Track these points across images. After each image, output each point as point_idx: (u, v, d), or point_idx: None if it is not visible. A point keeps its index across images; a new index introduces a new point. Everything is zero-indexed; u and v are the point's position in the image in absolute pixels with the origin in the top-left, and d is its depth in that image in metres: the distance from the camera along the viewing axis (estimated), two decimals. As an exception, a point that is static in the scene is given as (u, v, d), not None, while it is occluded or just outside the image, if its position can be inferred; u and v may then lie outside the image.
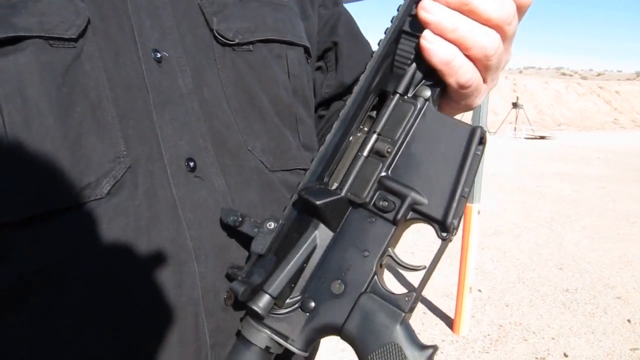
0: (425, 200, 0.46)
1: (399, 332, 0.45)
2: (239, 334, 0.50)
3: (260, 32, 0.61)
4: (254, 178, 0.58)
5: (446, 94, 0.49)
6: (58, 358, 0.47)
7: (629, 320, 3.65)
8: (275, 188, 0.59)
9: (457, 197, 0.45)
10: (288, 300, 0.49)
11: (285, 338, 0.48)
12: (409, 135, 0.47)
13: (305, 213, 0.49)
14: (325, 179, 0.49)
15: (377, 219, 0.47)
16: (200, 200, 0.53)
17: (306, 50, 0.67)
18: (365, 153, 0.48)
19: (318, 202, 0.47)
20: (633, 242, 5.41)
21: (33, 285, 0.46)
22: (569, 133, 20.26)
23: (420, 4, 0.44)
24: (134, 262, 0.48)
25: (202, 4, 0.58)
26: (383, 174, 0.47)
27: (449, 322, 3.50)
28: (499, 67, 0.48)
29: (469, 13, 0.44)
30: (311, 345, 0.49)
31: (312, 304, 0.48)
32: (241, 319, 0.51)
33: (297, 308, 0.49)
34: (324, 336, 0.49)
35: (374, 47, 0.52)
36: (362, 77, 0.51)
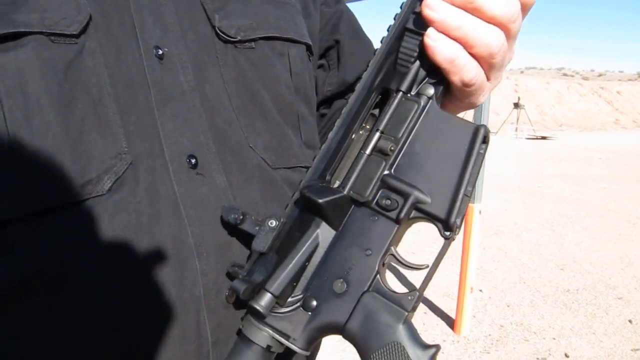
0: (428, 199, 0.46)
1: (401, 332, 0.44)
2: (239, 332, 0.50)
3: (262, 30, 0.61)
4: (255, 175, 0.57)
5: (450, 92, 0.49)
6: (58, 358, 0.47)
7: (630, 321, 3.64)
8: (277, 186, 0.59)
9: (460, 196, 0.44)
10: (289, 299, 0.48)
11: (287, 337, 0.48)
12: (412, 134, 0.47)
13: (308, 211, 0.49)
14: (328, 177, 0.49)
15: (380, 218, 0.47)
16: (202, 197, 0.52)
17: (308, 48, 0.67)
18: (368, 151, 0.48)
19: (321, 201, 0.46)
20: (634, 242, 5.40)
21: (33, 283, 0.46)
22: (570, 133, 20.24)
23: (425, 2, 0.44)
24: (135, 259, 0.48)
25: (204, 0, 0.58)
26: (386, 172, 0.47)
27: (450, 322, 3.50)
28: (502, 65, 0.48)
29: (474, 11, 0.44)
30: (313, 345, 0.49)
31: (314, 303, 0.48)
32: (242, 318, 0.51)
33: (298, 307, 0.48)
34: (325, 335, 0.49)
35: (376, 45, 0.52)
36: (365, 75, 0.50)
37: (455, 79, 0.46)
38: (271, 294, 0.47)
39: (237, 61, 0.58)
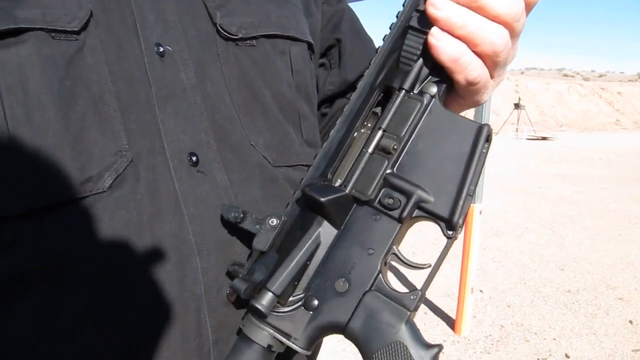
0: (431, 198, 0.45)
1: (404, 331, 0.44)
2: (240, 332, 0.50)
3: (263, 28, 0.60)
4: (256, 173, 0.57)
5: (453, 90, 0.49)
6: (58, 358, 0.47)
7: (630, 322, 3.64)
8: (278, 184, 0.59)
9: (464, 195, 0.44)
10: (291, 299, 0.48)
11: (288, 337, 0.48)
12: (415, 132, 0.47)
13: (309, 210, 0.49)
14: (329, 176, 0.49)
15: (382, 217, 0.47)
16: (203, 194, 0.52)
17: (310, 47, 0.67)
18: (370, 149, 0.47)
19: (323, 199, 0.46)
20: (635, 243, 5.40)
21: (34, 281, 0.45)
22: (570, 134, 20.25)
23: (429, 0, 0.44)
24: (136, 257, 0.48)
25: None
26: (388, 171, 0.47)
27: (451, 323, 3.50)
28: (506, 63, 0.48)
29: (478, 9, 0.44)
30: (314, 344, 0.49)
31: (316, 302, 0.47)
32: (243, 317, 0.51)
33: (300, 306, 0.48)
34: (327, 335, 0.48)
35: (378, 44, 0.52)
36: (367, 73, 0.50)
37: (460, 77, 0.46)
38: (272, 293, 0.47)
39: (238, 59, 0.58)
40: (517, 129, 17.75)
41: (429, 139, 0.47)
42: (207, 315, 0.51)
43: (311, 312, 0.47)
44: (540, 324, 3.60)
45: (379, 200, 0.47)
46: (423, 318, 3.57)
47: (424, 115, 0.47)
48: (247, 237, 0.53)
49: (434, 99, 0.47)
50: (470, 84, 0.46)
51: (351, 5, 0.82)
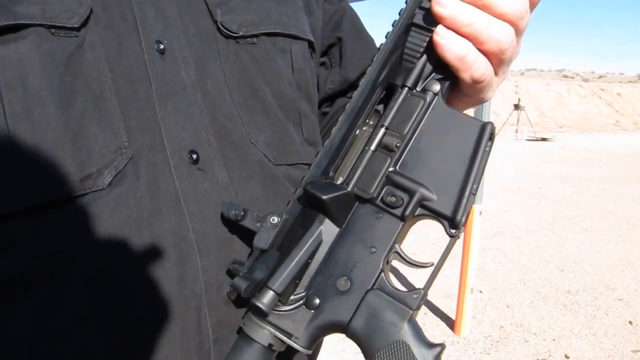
0: (434, 197, 0.45)
1: (406, 330, 0.44)
2: (240, 330, 0.50)
3: (264, 25, 0.60)
4: (257, 171, 0.57)
5: (457, 88, 0.49)
6: (58, 358, 0.46)
7: (630, 322, 3.64)
8: (279, 182, 0.59)
9: (467, 193, 0.44)
10: (292, 297, 0.48)
11: (289, 335, 0.47)
12: (418, 130, 0.47)
13: (311, 208, 0.49)
14: (331, 174, 0.49)
15: (385, 215, 0.46)
16: (203, 192, 0.52)
17: (310, 45, 0.67)
18: (372, 147, 0.47)
19: (325, 197, 0.46)
20: (634, 244, 5.40)
21: (33, 279, 0.45)
22: (570, 135, 20.25)
23: None
24: (136, 255, 0.48)
25: None
26: (391, 169, 0.46)
27: (450, 323, 3.49)
28: (511, 61, 0.48)
29: (483, 7, 0.43)
30: (315, 343, 0.48)
31: (317, 301, 0.47)
32: (243, 316, 0.50)
33: (301, 305, 0.48)
34: (329, 334, 0.48)
35: (379, 44, 0.51)
36: (370, 70, 0.50)
37: (465, 76, 0.45)
38: (274, 291, 0.46)
39: (238, 56, 0.58)
40: (516, 130, 17.74)
41: (431, 137, 0.46)
42: (207, 314, 0.51)
43: (312, 311, 0.47)
44: (540, 324, 3.60)
45: (382, 198, 0.46)
46: (423, 318, 3.56)
47: (427, 113, 0.47)
48: (247, 236, 0.52)
49: (437, 97, 0.47)
50: (476, 82, 0.46)
51: (352, 5, 0.82)
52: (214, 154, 0.54)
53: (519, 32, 0.46)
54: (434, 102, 0.47)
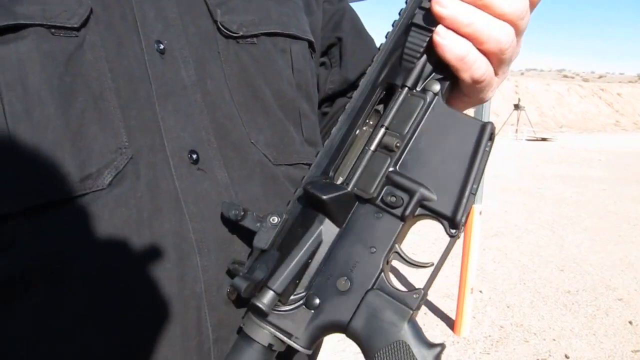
0: (434, 196, 0.45)
1: (406, 330, 0.44)
2: (240, 330, 0.50)
3: (264, 25, 0.60)
4: (257, 171, 0.57)
5: (457, 88, 0.49)
6: (58, 358, 0.46)
7: (630, 322, 3.64)
8: (279, 182, 0.59)
9: (467, 193, 0.44)
10: (292, 297, 0.48)
11: (289, 335, 0.47)
12: (418, 130, 0.47)
13: (311, 208, 0.49)
14: (331, 174, 0.49)
15: (385, 215, 0.46)
16: (203, 192, 0.52)
17: (310, 45, 0.67)
18: (372, 147, 0.47)
19: (325, 197, 0.46)
20: (634, 244, 5.40)
21: (33, 280, 0.45)
22: (570, 135, 20.25)
23: None
24: (135, 255, 0.48)
25: None
26: (391, 169, 0.46)
27: (450, 323, 3.49)
28: (511, 61, 0.48)
29: (483, 7, 0.43)
30: (315, 343, 0.48)
31: (317, 301, 0.47)
32: (243, 316, 0.50)
33: (301, 305, 0.48)
34: (329, 334, 0.48)
35: (379, 44, 0.51)
36: (370, 70, 0.50)
37: (466, 76, 0.45)
38: (274, 291, 0.46)
39: (238, 56, 0.58)
40: (516, 130, 17.74)
41: (431, 137, 0.46)
42: (207, 314, 0.51)
43: (312, 311, 0.47)
44: (540, 324, 3.60)
45: (382, 198, 0.46)
46: (423, 318, 3.56)
47: (427, 113, 0.46)
48: (247, 236, 0.52)
49: (437, 97, 0.47)
50: (476, 82, 0.46)
51: (352, 5, 0.82)
52: (214, 154, 0.54)
53: (519, 32, 0.46)
54: (434, 102, 0.47)
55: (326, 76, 0.74)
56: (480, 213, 3.22)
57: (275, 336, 0.48)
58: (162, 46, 0.53)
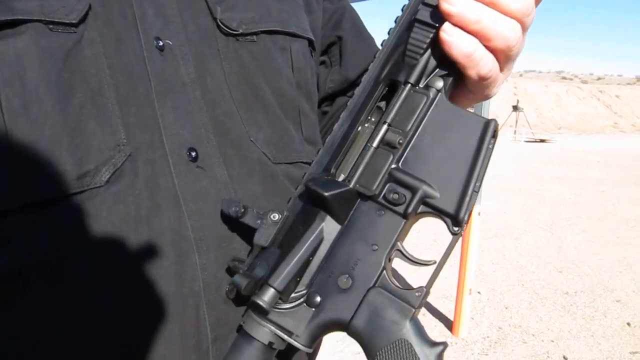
0: (437, 194, 0.45)
1: (409, 329, 0.44)
2: (240, 329, 0.49)
3: (264, 23, 0.60)
4: (256, 169, 0.56)
5: (462, 84, 0.48)
6: (58, 358, 0.46)
7: (628, 324, 3.64)
8: (279, 180, 0.58)
9: (470, 191, 0.44)
10: (293, 295, 0.48)
11: (290, 334, 0.47)
12: (421, 127, 0.46)
13: (312, 204, 0.48)
14: (333, 170, 0.48)
15: (387, 212, 0.46)
16: (202, 190, 0.52)
17: (310, 43, 0.66)
18: (375, 144, 0.47)
19: (327, 194, 0.45)
20: (633, 245, 5.40)
21: (32, 277, 0.45)
22: (569, 136, 20.27)
23: None
24: (133, 252, 0.47)
25: None
26: (393, 166, 0.46)
27: (448, 324, 3.49)
28: (516, 57, 0.48)
29: (490, 4, 0.43)
30: (316, 341, 0.48)
31: (318, 299, 0.47)
32: (243, 314, 0.50)
33: (302, 303, 0.47)
34: (330, 332, 0.48)
35: (379, 43, 0.51)
36: (372, 66, 0.49)
37: (472, 73, 0.45)
38: (274, 289, 0.46)
39: (238, 54, 0.58)
40: (515, 131, 17.75)
41: (434, 134, 0.46)
42: (205, 313, 0.51)
43: (313, 309, 0.47)
44: (538, 325, 3.60)
45: (384, 195, 0.46)
46: (421, 319, 3.52)
47: (430, 110, 0.46)
48: (247, 234, 0.52)
49: (440, 93, 0.46)
50: (482, 78, 0.46)
51: (353, 5, 0.81)
52: (213, 152, 0.53)
53: (524, 29, 0.46)
54: (437, 98, 0.46)
55: (326, 75, 0.74)
56: (479, 214, 3.22)
57: (275, 334, 0.47)
58: (161, 43, 0.52)
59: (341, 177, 0.48)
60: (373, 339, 0.44)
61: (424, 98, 0.46)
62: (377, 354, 0.44)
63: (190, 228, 0.50)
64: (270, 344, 0.47)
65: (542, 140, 17.22)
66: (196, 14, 0.56)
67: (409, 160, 0.46)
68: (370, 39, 0.78)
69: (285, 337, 0.47)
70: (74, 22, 0.47)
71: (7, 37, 0.44)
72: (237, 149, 0.56)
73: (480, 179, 0.44)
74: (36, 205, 0.44)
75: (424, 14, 0.45)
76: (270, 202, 0.56)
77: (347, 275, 0.46)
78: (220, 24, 0.57)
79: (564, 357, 3.20)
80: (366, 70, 0.50)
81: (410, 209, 0.45)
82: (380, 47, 0.50)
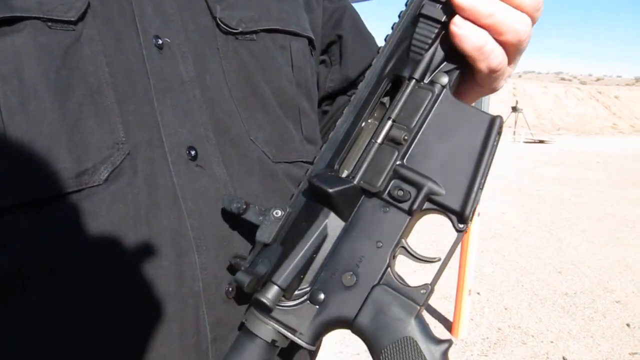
0: (442, 191, 0.44)
1: (414, 326, 0.43)
2: (242, 326, 0.49)
3: (264, 22, 0.60)
4: (256, 168, 0.56)
5: (471, 78, 0.49)
6: (58, 358, 0.46)
7: (628, 325, 3.64)
8: (278, 179, 0.58)
9: (475, 187, 0.43)
10: (296, 292, 0.47)
11: (293, 331, 0.47)
12: (426, 123, 0.46)
13: (316, 201, 0.48)
14: (336, 167, 0.48)
15: (391, 209, 0.46)
16: (202, 189, 0.51)
17: (310, 42, 0.66)
18: (379, 140, 0.46)
19: (331, 190, 0.45)
20: (632, 246, 5.40)
21: (32, 277, 0.44)
22: (568, 137, 20.29)
23: None
24: (132, 252, 0.47)
25: None
26: (398, 162, 0.46)
27: (448, 325, 3.49)
28: (524, 50, 0.48)
29: None
30: (319, 339, 0.48)
31: (322, 296, 0.46)
32: (246, 311, 0.49)
33: (305, 300, 0.47)
34: (333, 329, 0.47)
35: (379, 43, 0.51)
36: (375, 62, 0.49)
37: (482, 66, 0.45)
38: (278, 286, 0.46)
39: (238, 53, 0.57)
40: (514, 132, 17.76)
41: (439, 130, 0.46)
42: (205, 312, 0.50)
43: (317, 307, 0.46)
44: (538, 326, 3.60)
45: (389, 192, 0.46)
46: (421, 320, 3.55)
47: (435, 106, 0.46)
48: (247, 233, 0.52)
49: (445, 89, 0.46)
50: (492, 71, 0.46)
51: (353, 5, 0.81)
52: (213, 151, 0.53)
53: (534, 23, 0.46)
54: (442, 94, 0.46)
55: (326, 74, 0.73)
56: (479, 214, 3.22)
57: (278, 332, 0.47)
58: (160, 41, 0.52)
59: (345, 174, 0.48)
60: (378, 337, 0.44)
61: (429, 94, 0.46)
62: (382, 351, 0.43)
63: (190, 227, 0.50)
64: (273, 341, 0.47)
65: (541, 141, 17.24)
66: (196, 13, 0.56)
67: (414, 156, 0.46)
68: (370, 38, 0.78)
69: (289, 334, 0.47)
70: (72, 19, 0.46)
71: (6, 34, 0.44)
72: (237, 147, 0.55)
73: (486, 175, 0.44)
74: (34, 204, 0.44)
75: (430, 9, 0.45)
76: (270, 201, 0.56)
77: (351, 273, 0.46)
78: (219, 22, 0.57)
79: (564, 358, 3.19)
80: (367, 68, 0.50)
81: (415, 206, 0.44)
82: (383, 42, 0.49)
